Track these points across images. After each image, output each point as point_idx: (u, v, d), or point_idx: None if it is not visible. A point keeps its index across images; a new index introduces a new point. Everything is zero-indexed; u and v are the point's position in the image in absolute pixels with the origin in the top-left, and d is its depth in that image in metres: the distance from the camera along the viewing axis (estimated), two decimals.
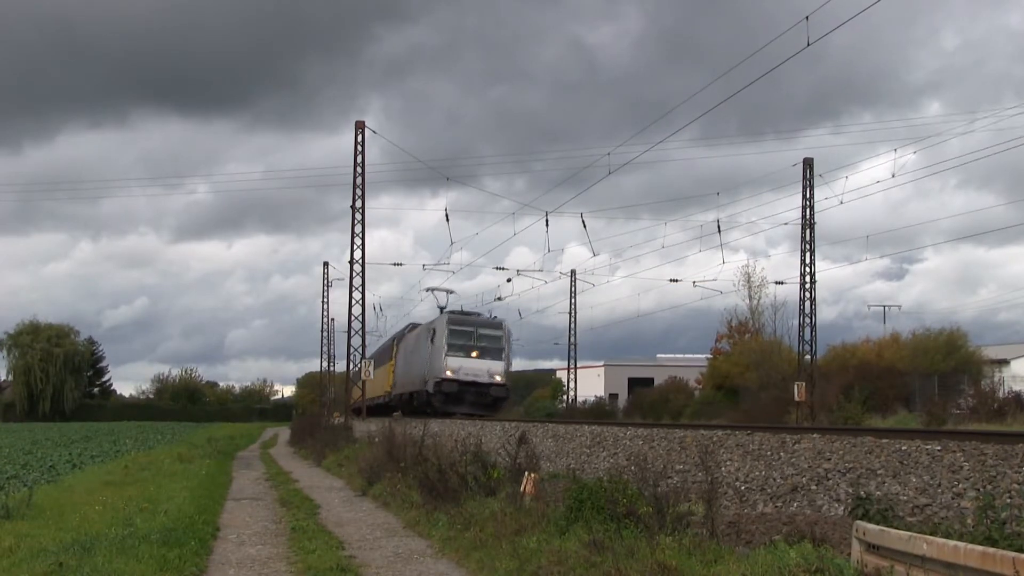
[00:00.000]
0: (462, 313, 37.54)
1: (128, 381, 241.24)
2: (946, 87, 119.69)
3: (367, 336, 36.46)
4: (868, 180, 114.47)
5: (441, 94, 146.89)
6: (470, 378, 33.77)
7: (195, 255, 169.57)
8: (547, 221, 31.61)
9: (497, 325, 36.78)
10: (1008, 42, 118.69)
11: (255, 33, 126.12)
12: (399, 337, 47.70)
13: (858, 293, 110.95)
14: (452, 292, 42.48)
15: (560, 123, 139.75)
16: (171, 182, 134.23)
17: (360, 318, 35.00)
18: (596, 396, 61.87)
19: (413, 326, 46.50)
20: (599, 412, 50.80)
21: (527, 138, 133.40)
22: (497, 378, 34.63)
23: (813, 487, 9.76)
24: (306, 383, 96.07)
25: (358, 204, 33.52)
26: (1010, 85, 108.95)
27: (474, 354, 34.40)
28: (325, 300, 62.94)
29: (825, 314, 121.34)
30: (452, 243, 47.46)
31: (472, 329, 35.26)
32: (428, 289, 42.73)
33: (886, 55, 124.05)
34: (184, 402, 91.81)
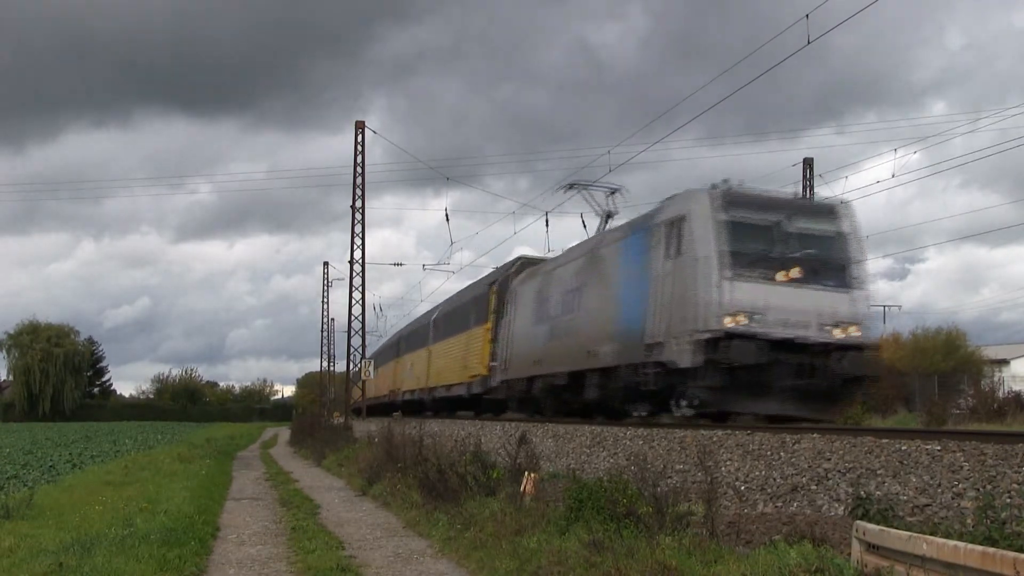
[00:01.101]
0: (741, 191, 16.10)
1: (129, 381, 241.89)
2: (951, 87, 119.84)
3: (367, 336, 36.28)
4: (870, 180, 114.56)
5: (446, 94, 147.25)
6: (788, 332, 14.55)
7: (197, 255, 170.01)
8: (547, 221, 31.41)
9: (827, 211, 16.10)
10: (1013, 42, 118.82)
11: (260, 33, 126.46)
12: (499, 281, 27.33)
13: None
14: (618, 190, 22.20)
15: (565, 123, 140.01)
16: (174, 182, 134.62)
17: (360, 318, 35.02)
18: None
19: (527, 261, 26.57)
20: None
21: (531, 138, 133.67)
22: (850, 331, 14.82)
23: (813, 487, 9.76)
24: (306, 383, 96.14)
25: (358, 204, 33.56)
26: (1015, 85, 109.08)
27: (787, 276, 14.90)
28: (325, 300, 63.06)
29: None
30: (452, 243, 47.34)
31: (776, 221, 15.38)
32: (569, 186, 22.72)
33: (890, 55, 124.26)
34: (184, 402, 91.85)
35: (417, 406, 37.49)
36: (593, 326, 18.98)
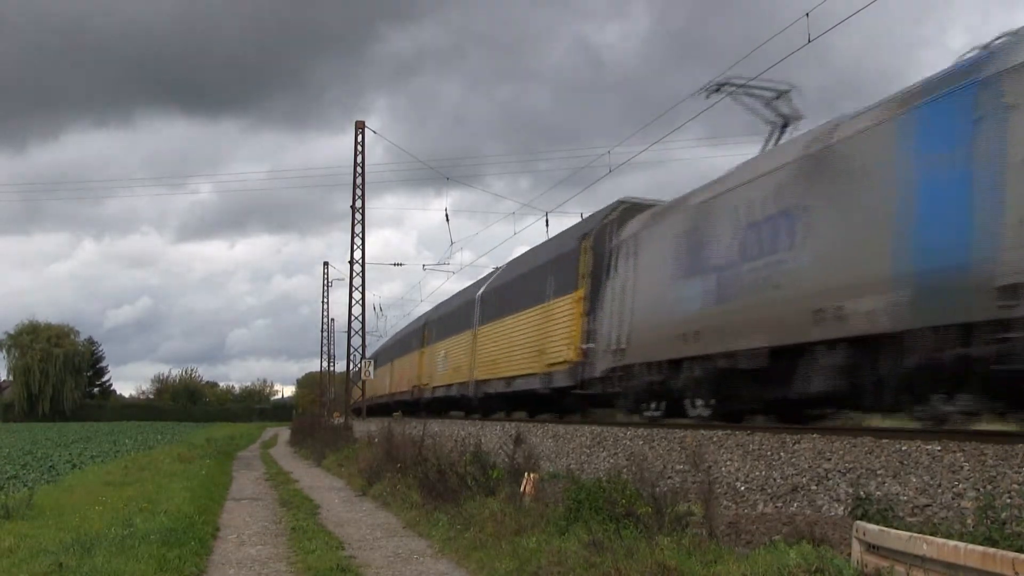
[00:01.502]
0: None
1: (129, 381, 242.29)
2: None
3: (367, 336, 36.28)
4: None
5: (447, 94, 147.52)
6: None
7: (198, 255, 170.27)
8: (547, 221, 31.36)
9: None
10: None
11: (262, 33, 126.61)
12: (595, 232, 20.30)
13: None
14: (787, 91, 15.79)
15: (566, 123, 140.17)
16: (175, 182, 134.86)
17: (360, 318, 35.05)
18: None
19: (632, 206, 19.66)
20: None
21: (533, 138, 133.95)
22: None
23: (813, 487, 9.76)
24: (306, 383, 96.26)
25: (358, 204, 33.58)
26: None
27: None
28: (325, 300, 63.17)
29: None
30: (452, 243, 47.34)
31: None
32: (716, 88, 16.51)
33: (893, 54, 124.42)
34: (184, 402, 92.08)
35: (454, 405, 31.48)
36: (834, 267, 11.67)
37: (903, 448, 9.22)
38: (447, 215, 46.81)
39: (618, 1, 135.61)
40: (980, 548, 5.01)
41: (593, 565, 6.74)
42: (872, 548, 5.87)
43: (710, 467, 10.73)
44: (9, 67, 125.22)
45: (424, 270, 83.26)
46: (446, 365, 31.68)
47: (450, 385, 30.86)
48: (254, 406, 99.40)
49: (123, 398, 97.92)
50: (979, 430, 10.29)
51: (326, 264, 64.21)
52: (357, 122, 33.36)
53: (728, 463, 11.42)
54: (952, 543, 5.21)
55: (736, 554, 6.78)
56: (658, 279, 16.17)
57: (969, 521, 7.44)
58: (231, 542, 9.96)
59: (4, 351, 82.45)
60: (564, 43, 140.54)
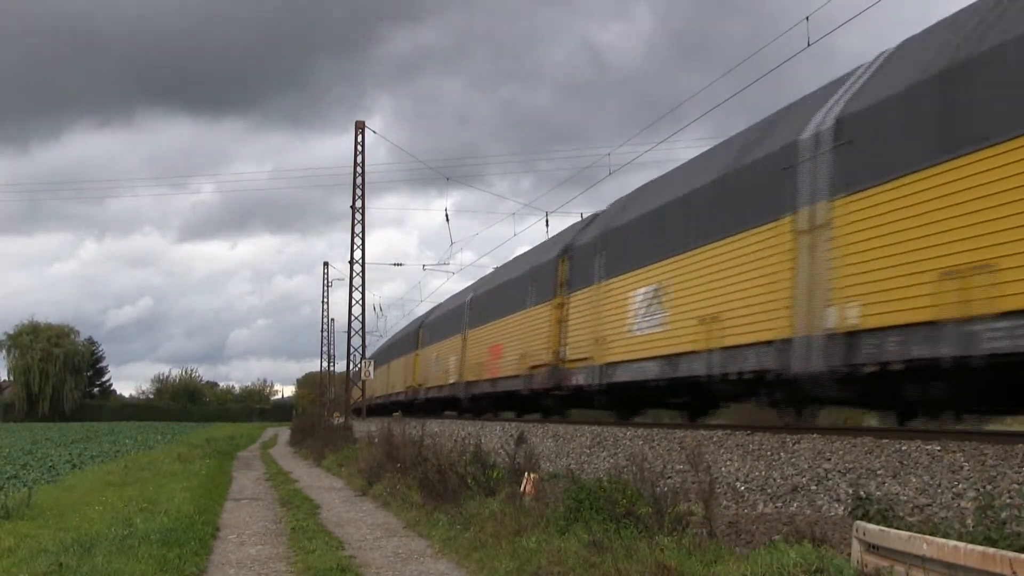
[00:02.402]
0: None
1: (129, 381, 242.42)
2: None
3: (367, 336, 36.23)
4: None
5: (450, 94, 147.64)
6: None
7: (199, 255, 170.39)
8: (547, 221, 31.42)
9: None
10: None
11: (265, 33, 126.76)
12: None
13: None
14: None
15: (569, 122, 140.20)
16: (177, 182, 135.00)
17: (360, 318, 35.08)
18: None
19: None
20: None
21: (536, 137, 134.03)
22: None
23: (813, 487, 9.76)
24: (306, 383, 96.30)
25: (357, 204, 33.62)
26: None
27: None
28: (325, 300, 63.25)
29: None
30: (452, 243, 46.84)
31: None
32: None
33: None
34: (184, 402, 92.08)
35: (647, 397, 17.56)
36: None
37: (903, 448, 9.22)
38: (447, 215, 46.88)
39: (621, 1, 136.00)
40: (980, 548, 5.01)
41: (593, 565, 6.74)
42: (872, 548, 5.87)
43: (710, 467, 10.73)
44: (11, 67, 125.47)
45: (424, 270, 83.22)
46: (620, 323, 16.73)
47: (638, 362, 16.02)
48: (254, 406, 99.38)
49: (123, 398, 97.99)
50: (979, 431, 10.30)
51: (326, 264, 64.43)
52: (357, 122, 33.43)
53: (728, 463, 11.43)
54: (952, 543, 5.21)
55: (736, 554, 6.78)
56: None
57: (969, 521, 7.44)
58: (231, 542, 9.96)
59: (4, 351, 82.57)
60: (566, 43, 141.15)
